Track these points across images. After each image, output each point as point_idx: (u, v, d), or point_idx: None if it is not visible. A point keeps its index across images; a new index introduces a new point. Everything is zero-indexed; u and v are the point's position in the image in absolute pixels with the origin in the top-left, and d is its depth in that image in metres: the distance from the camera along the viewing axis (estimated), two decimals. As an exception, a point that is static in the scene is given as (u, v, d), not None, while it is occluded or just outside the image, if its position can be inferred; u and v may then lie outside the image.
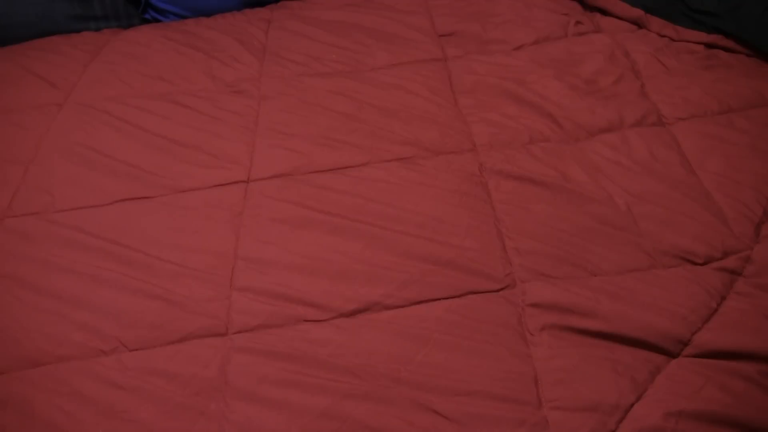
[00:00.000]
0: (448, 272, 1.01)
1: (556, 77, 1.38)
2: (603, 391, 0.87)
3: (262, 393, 0.88)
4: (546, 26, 1.56)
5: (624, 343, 0.91)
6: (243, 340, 0.94)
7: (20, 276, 1.04)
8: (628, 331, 0.92)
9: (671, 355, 0.91)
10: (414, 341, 0.92)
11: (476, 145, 1.24)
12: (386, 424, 0.85)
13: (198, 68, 1.46)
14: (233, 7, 1.74)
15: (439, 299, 0.98)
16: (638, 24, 1.55)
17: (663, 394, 0.87)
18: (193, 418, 0.86)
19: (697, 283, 0.98)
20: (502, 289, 0.99)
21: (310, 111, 1.32)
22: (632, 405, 0.86)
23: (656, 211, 1.09)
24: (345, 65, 1.47)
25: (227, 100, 1.37)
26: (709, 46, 1.46)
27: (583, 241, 1.04)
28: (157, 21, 1.75)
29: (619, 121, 1.28)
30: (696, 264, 1.02)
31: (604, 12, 1.61)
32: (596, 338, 0.92)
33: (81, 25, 1.70)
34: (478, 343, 0.92)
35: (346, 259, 1.03)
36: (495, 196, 1.13)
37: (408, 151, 1.22)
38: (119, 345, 0.95)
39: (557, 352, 0.91)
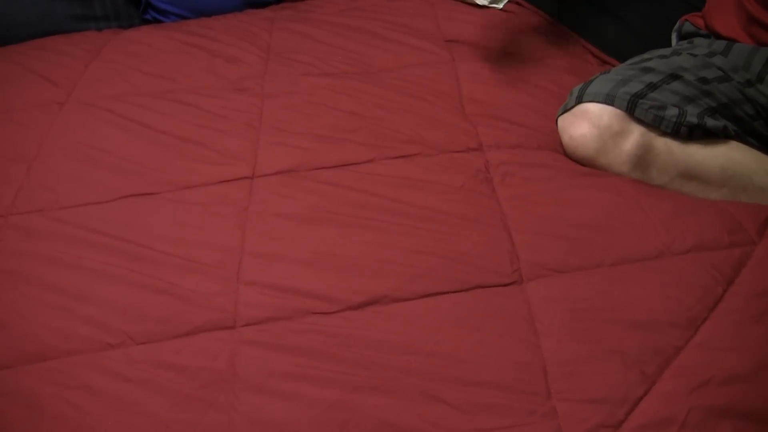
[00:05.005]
0: (456, 266, 1.00)
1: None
2: (612, 384, 0.86)
3: (272, 385, 0.88)
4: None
5: (633, 335, 0.91)
6: (251, 332, 0.94)
7: (26, 272, 1.03)
8: (637, 322, 0.92)
9: (679, 345, 0.91)
10: (423, 332, 0.92)
11: (483, 145, 1.24)
12: (396, 415, 0.84)
13: (200, 66, 1.46)
14: (234, 8, 1.74)
15: (447, 293, 0.97)
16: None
17: (672, 386, 0.86)
18: (203, 409, 0.86)
19: (705, 270, 0.98)
20: (510, 282, 0.99)
21: (315, 109, 1.32)
22: (641, 398, 0.86)
23: (664, 201, 1.09)
24: (351, 66, 1.47)
25: (230, 97, 1.36)
26: None
27: (591, 232, 1.04)
28: (158, 21, 1.75)
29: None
30: (703, 251, 1.02)
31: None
32: (605, 330, 0.92)
33: (81, 25, 1.70)
34: (487, 335, 0.92)
35: (353, 253, 1.03)
36: (501, 192, 1.14)
37: (413, 148, 1.22)
38: (126, 339, 0.94)
39: (566, 344, 0.91)
